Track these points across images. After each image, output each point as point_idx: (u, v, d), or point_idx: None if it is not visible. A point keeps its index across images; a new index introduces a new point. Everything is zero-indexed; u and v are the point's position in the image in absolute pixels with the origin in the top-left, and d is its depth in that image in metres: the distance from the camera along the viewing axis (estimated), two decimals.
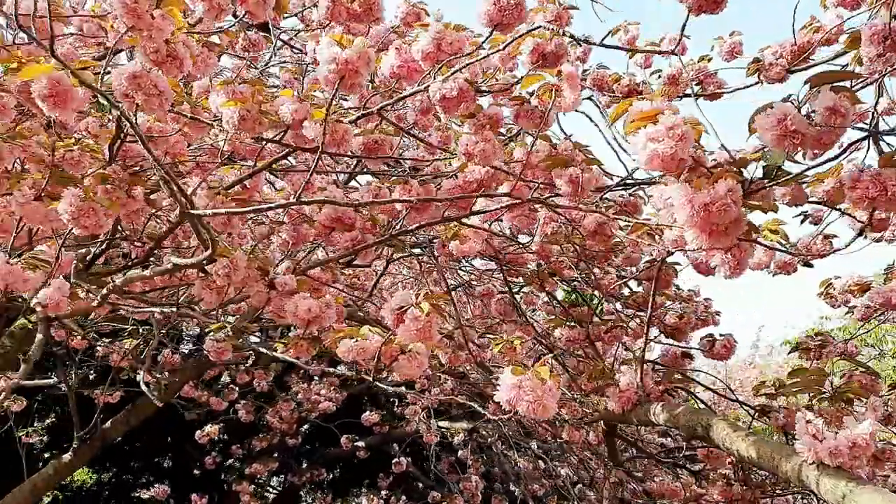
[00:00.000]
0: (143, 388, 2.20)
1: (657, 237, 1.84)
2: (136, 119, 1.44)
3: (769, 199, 1.55)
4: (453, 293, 4.46)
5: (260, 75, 3.90)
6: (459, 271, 4.75)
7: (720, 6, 1.64)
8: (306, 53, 3.86)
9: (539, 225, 2.71)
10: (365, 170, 3.40)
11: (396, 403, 8.29)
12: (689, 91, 3.31)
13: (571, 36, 1.76)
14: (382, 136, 2.28)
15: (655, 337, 2.90)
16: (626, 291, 3.47)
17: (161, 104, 1.48)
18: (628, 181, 2.25)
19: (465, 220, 2.57)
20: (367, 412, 6.96)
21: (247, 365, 5.57)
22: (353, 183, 4.37)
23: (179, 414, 6.17)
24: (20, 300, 2.20)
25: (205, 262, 1.76)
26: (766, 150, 1.48)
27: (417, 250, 4.44)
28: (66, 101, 1.48)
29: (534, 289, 3.28)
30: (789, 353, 2.93)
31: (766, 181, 1.54)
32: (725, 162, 1.56)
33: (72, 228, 1.78)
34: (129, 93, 1.47)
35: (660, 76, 3.48)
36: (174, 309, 2.17)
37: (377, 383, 1.98)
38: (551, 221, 2.69)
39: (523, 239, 3.00)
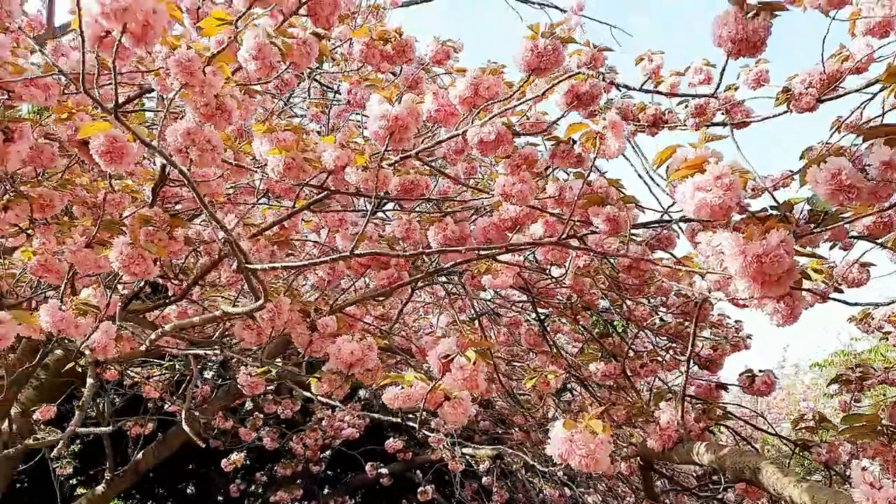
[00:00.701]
0: (186, 428, 2.23)
1: (698, 277, 1.83)
2: (189, 171, 1.48)
3: (816, 243, 1.54)
4: (478, 321, 4.47)
5: (284, 107, 3.99)
6: (485, 300, 4.75)
7: (759, 50, 1.65)
8: (333, 90, 3.94)
9: (571, 258, 2.71)
10: (394, 206, 3.44)
11: (418, 430, 8.25)
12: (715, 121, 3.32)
13: (606, 78, 1.78)
14: (417, 177, 2.31)
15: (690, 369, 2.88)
16: (657, 321, 3.45)
17: (214, 158, 1.52)
18: (664, 219, 2.25)
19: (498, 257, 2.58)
20: (391, 439, 6.94)
21: (273, 395, 5.60)
22: (379, 214, 4.41)
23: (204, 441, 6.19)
24: (67, 341, 2.24)
25: (255, 310, 1.79)
26: (812, 195, 1.48)
27: (443, 278, 4.46)
28: (122, 157, 1.53)
29: (567, 321, 3.27)
30: (828, 384, 2.88)
31: (812, 226, 1.54)
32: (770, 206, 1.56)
33: (122, 276, 1.82)
34: (182, 148, 1.52)
35: (686, 105, 3.48)
36: (217, 350, 2.20)
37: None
38: (584, 255, 2.70)
39: (555, 270, 3.01)
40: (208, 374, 7.80)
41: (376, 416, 2.89)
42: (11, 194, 2.09)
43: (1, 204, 2.00)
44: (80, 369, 2.15)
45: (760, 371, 2.73)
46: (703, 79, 3.36)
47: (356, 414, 6.47)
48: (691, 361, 2.43)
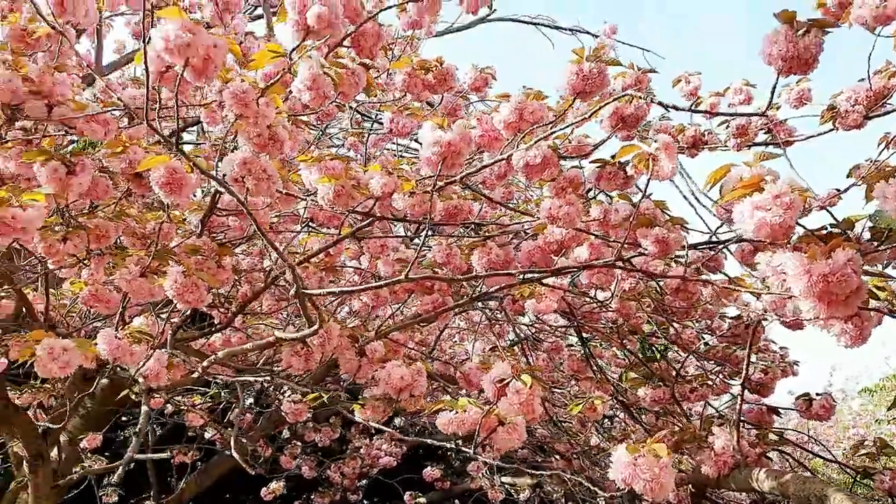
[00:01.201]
0: (235, 455, 2.24)
1: (752, 298, 1.79)
2: (245, 199, 1.52)
3: (880, 260, 1.50)
4: (520, 346, 4.42)
5: (322, 136, 4.07)
6: (524, 325, 4.71)
7: (811, 68, 1.63)
8: (371, 119, 4.01)
9: (617, 281, 2.68)
10: (433, 231, 3.46)
11: (454, 456, 8.15)
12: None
13: (657, 101, 1.78)
14: (461, 202, 2.32)
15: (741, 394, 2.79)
16: (702, 346, 3.38)
17: (269, 188, 1.56)
18: (713, 240, 2.22)
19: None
20: (429, 467, 6.87)
21: (312, 423, 5.61)
22: (416, 240, 4.44)
23: (240, 469, 6.20)
24: (120, 369, 2.29)
25: (309, 335, 1.80)
26: (876, 212, 1.44)
27: (480, 304, 4.43)
28: (181, 188, 1.58)
29: (613, 346, 3.22)
30: (889, 408, 2.77)
31: (875, 243, 1.50)
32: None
33: (175, 304, 1.86)
34: (238, 178, 1.55)
35: (727, 126, 3.44)
36: (268, 377, 2.22)
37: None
38: (629, 277, 2.66)
39: (599, 293, 2.97)
40: (248, 401, 7.85)
41: (428, 441, 2.86)
42: (68, 226, 2.16)
43: (60, 235, 2.07)
44: (134, 397, 2.19)
45: (818, 395, 2.63)
46: (743, 99, 3.32)
47: (396, 440, 6.43)
48: (744, 385, 2.36)
